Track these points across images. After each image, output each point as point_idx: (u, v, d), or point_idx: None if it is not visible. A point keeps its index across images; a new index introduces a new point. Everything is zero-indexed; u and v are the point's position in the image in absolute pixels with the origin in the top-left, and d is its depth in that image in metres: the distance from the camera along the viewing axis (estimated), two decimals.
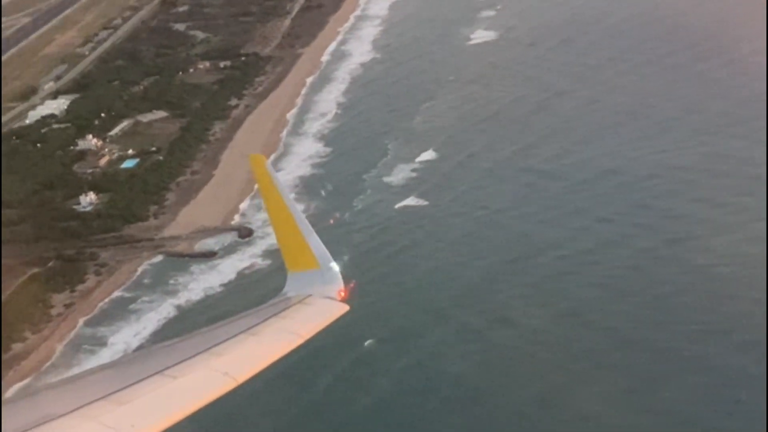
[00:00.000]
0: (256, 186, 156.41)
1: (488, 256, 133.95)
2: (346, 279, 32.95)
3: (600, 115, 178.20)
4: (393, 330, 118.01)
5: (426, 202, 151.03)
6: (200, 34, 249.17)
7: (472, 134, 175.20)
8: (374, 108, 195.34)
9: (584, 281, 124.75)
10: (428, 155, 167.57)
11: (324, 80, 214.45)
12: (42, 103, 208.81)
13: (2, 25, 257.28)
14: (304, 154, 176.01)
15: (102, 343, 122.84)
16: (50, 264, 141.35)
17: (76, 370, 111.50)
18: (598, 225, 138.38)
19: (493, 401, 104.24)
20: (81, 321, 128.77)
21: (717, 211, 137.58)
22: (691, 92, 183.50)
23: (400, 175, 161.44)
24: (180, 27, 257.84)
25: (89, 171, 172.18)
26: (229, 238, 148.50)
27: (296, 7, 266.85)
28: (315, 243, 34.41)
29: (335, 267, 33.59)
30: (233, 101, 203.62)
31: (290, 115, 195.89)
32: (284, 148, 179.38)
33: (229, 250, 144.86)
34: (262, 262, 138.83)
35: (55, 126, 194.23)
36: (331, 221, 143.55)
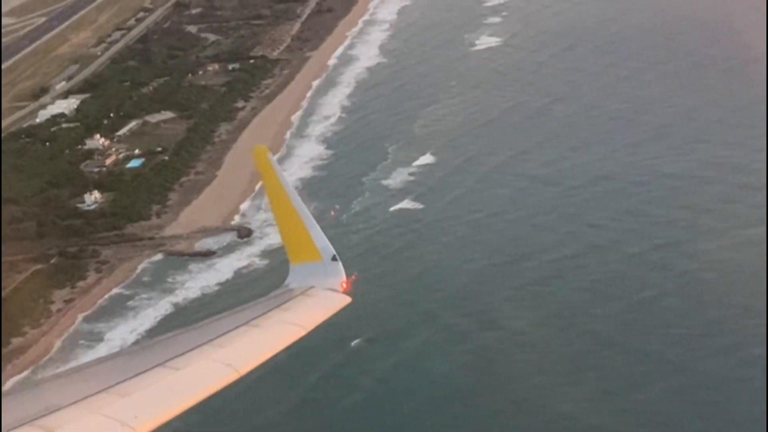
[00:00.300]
0: (257, 187, 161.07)
1: (479, 259, 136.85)
2: (348, 271, 33.54)
3: (597, 122, 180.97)
4: (380, 330, 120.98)
5: (421, 205, 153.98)
6: (211, 37, 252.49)
7: (470, 139, 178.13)
8: (377, 111, 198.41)
9: (570, 285, 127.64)
10: (426, 159, 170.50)
11: (330, 83, 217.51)
12: (53, 102, 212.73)
13: (17, 25, 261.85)
14: (306, 156, 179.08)
15: (99, 338, 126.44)
16: (53, 261, 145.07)
17: (73, 365, 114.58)
18: (588, 230, 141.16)
19: (474, 401, 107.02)
20: (80, 317, 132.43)
21: (704, 218, 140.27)
22: (688, 99, 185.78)
23: (398, 178, 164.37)
24: (192, 29, 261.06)
25: (95, 170, 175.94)
26: (229, 237, 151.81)
27: (307, 11, 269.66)
28: (317, 235, 34.51)
29: (337, 259, 33.83)
30: (240, 103, 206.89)
31: (295, 118, 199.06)
32: (287, 149, 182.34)
33: (227, 249, 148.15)
34: (259, 262, 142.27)
35: (65, 125, 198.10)
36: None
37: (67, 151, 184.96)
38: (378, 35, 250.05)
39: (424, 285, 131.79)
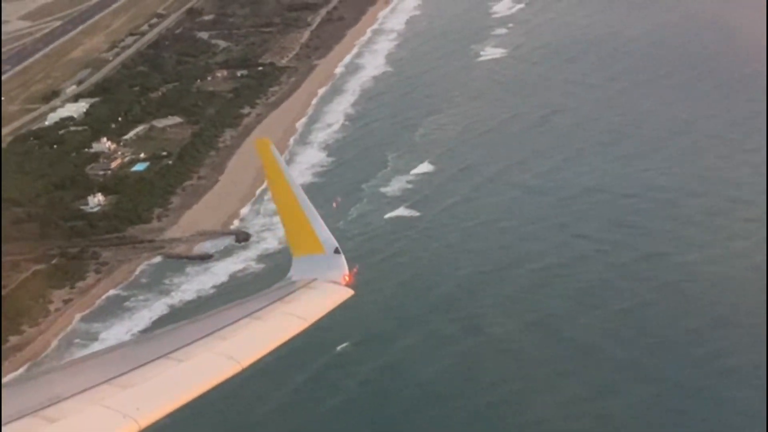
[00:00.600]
0: (258, 191, 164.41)
1: (467, 267, 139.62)
2: (350, 264, 34.18)
3: (592, 134, 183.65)
4: (366, 334, 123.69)
5: (416, 213, 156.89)
6: (222, 43, 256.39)
7: (468, 148, 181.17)
8: (379, 119, 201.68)
9: (555, 293, 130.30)
10: (424, 167, 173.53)
11: (335, 91, 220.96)
12: (62, 105, 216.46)
13: (33, 29, 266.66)
14: (308, 162, 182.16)
15: (94, 338, 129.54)
16: (54, 261, 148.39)
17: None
18: (575, 240, 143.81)
19: (453, 404, 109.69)
20: (77, 316, 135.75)
21: (690, 230, 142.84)
22: (685, 113, 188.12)
23: (396, 185, 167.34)
24: (203, 35, 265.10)
25: (100, 173, 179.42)
26: (227, 241, 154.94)
27: (317, 20, 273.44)
28: (320, 228, 34.83)
29: (340, 251, 34.29)
30: (246, 109, 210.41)
31: (299, 125, 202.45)
32: (290, 156, 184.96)
33: (225, 253, 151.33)
34: (255, 266, 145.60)
35: (73, 128, 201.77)
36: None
37: (73, 153, 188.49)
38: (385, 44, 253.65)
39: (413, 291, 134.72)
